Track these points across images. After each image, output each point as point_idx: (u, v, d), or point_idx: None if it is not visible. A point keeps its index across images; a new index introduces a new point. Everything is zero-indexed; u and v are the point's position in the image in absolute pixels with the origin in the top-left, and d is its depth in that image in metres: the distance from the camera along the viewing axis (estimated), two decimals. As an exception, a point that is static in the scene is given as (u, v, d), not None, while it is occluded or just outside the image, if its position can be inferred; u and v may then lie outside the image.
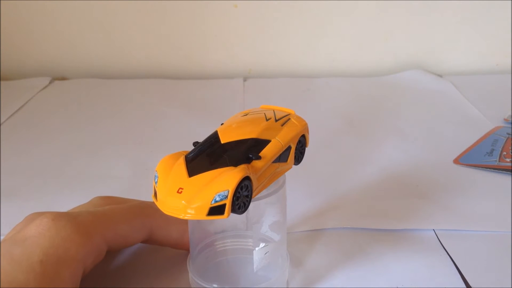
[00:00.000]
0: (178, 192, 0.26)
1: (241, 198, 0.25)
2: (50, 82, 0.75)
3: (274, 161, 0.28)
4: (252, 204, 0.27)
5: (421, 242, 0.38)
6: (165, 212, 0.26)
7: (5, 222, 0.41)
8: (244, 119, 0.31)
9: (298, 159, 0.31)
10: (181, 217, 0.25)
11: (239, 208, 0.25)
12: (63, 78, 0.79)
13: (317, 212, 0.41)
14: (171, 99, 0.69)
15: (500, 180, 0.47)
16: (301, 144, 0.31)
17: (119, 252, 0.36)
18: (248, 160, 0.27)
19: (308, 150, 0.32)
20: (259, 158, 0.27)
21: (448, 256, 0.36)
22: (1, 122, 0.61)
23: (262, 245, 0.29)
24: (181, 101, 0.68)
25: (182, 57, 0.80)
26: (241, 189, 0.25)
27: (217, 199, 0.25)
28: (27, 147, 0.55)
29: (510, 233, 0.39)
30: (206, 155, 0.27)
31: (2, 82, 0.75)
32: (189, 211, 0.25)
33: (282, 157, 0.29)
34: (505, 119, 0.60)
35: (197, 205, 0.25)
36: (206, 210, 0.25)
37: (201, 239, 0.32)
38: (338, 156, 0.52)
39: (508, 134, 0.56)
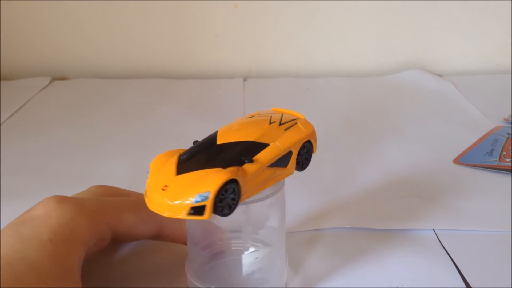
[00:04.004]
0: (162, 189, 0.26)
1: (226, 201, 0.25)
2: (50, 82, 0.75)
3: (271, 166, 0.27)
4: (250, 206, 0.27)
5: (421, 242, 0.38)
6: (151, 208, 0.26)
7: (5, 222, 0.40)
8: (247, 121, 0.31)
9: (303, 165, 0.30)
10: (164, 214, 0.25)
11: (222, 210, 0.25)
12: (63, 78, 0.79)
13: (317, 212, 0.41)
14: (171, 99, 0.69)
15: (500, 180, 0.47)
16: (307, 150, 0.30)
17: (118, 253, 0.36)
18: (240, 163, 0.26)
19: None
20: (251, 161, 0.26)
21: (448, 256, 0.36)
22: (1, 122, 0.61)
23: (251, 249, 0.29)
24: (181, 101, 0.68)
25: (182, 57, 0.80)
26: (226, 191, 0.25)
27: (198, 199, 0.24)
28: (27, 147, 0.55)
29: (510, 233, 0.39)
30: (199, 155, 0.27)
31: (2, 82, 0.75)
32: (171, 209, 0.25)
33: (280, 162, 0.28)
34: (505, 119, 0.60)
35: (179, 204, 0.25)
36: (187, 210, 0.24)
37: (199, 241, 0.32)
38: (338, 156, 0.52)
39: (508, 134, 0.56)
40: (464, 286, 0.33)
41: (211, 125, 0.32)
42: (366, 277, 0.34)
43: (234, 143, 0.28)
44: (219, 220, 0.30)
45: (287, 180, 0.30)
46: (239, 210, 0.26)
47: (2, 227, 0.39)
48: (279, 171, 0.28)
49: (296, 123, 0.30)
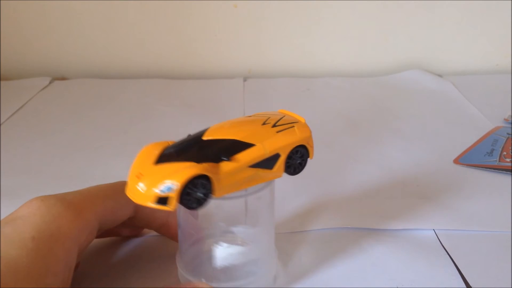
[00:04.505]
0: (137, 176, 0.26)
1: (194, 195, 0.26)
2: (50, 82, 0.75)
3: (254, 166, 0.28)
4: (223, 202, 0.28)
5: (421, 242, 0.38)
6: (127, 194, 0.27)
7: (5, 222, 0.40)
8: (242, 119, 0.31)
9: (295, 169, 0.30)
10: (136, 201, 0.26)
11: (189, 203, 0.26)
12: (63, 78, 0.79)
13: (317, 212, 0.41)
14: (171, 99, 0.69)
15: (500, 180, 0.47)
16: (301, 154, 0.30)
17: (110, 247, 0.36)
18: (218, 160, 0.27)
19: (308, 150, 0.32)
20: (229, 160, 0.27)
21: (448, 256, 0.36)
22: (1, 122, 0.61)
23: (225, 245, 0.30)
24: (181, 101, 0.68)
25: (182, 57, 0.80)
26: (195, 186, 0.25)
27: (164, 190, 0.25)
28: (27, 147, 0.55)
29: (510, 233, 0.39)
30: (182, 148, 0.28)
31: (2, 82, 0.75)
32: (141, 196, 0.26)
33: (265, 164, 0.28)
34: (505, 119, 0.60)
35: (147, 192, 0.25)
36: (154, 199, 0.25)
37: (190, 235, 0.32)
38: (338, 156, 0.52)
39: (508, 134, 0.56)
40: (464, 286, 0.33)
41: (211, 125, 0.32)
42: (366, 277, 0.34)
43: (219, 140, 0.28)
44: (215, 214, 0.31)
45: (287, 180, 0.30)
46: (214, 205, 0.27)
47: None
48: (262, 172, 0.28)
49: (293, 126, 0.30)
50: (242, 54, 0.79)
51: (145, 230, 0.38)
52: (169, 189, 0.25)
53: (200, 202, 0.26)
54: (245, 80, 0.76)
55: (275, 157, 0.28)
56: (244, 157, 0.27)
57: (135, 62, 0.80)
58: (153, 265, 0.35)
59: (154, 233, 0.38)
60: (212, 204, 0.27)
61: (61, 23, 0.77)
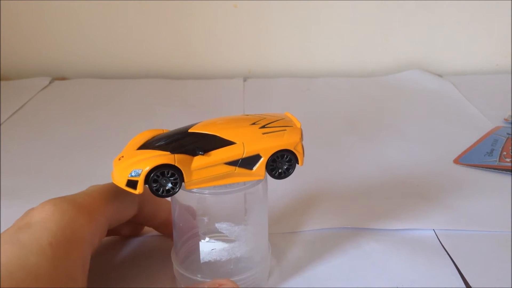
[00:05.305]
0: (119, 159, 0.28)
1: (162, 183, 0.27)
2: (50, 82, 0.75)
3: (231, 164, 0.28)
4: (205, 197, 0.28)
5: (421, 242, 0.38)
6: (111, 174, 0.28)
7: (5, 222, 0.40)
8: (234, 117, 0.31)
9: (281, 174, 0.30)
10: (113, 181, 0.28)
11: (157, 190, 0.27)
12: (63, 78, 0.79)
13: (316, 212, 0.41)
14: (171, 99, 0.69)
15: (500, 180, 0.47)
16: (288, 159, 0.30)
17: (109, 247, 0.37)
18: (194, 153, 0.28)
19: (308, 150, 0.31)
20: (203, 154, 0.28)
21: (448, 256, 0.36)
22: (1, 122, 0.61)
23: (207, 239, 0.30)
24: (181, 101, 0.68)
25: (182, 57, 0.80)
26: (162, 174, 0.27)
27: (133, 174, 0.27)
28: (27, 147, 0.55)
29: (510, 233, 0.39)
30: (167, 138, 0.29)
31: (2, 82, 0.75)
32: (116, 177, 0.28)
33: (245, 163, 0.28)
34: (505, 119, 0.60)
35: (121, 174, 0.27)
36: (125, 181, 0.27)
37: (185, 231, 0.32)
38: (338, 156, 0.52)
39: (508, 134, 0.56)
40: (464, 286, 0.33)
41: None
42: (366, 277, 0.34)
43: (201, 134, 0.29)
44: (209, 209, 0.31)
45: (287, 179, 0.30)
46: (196, 199, 0.28)
47: (2, 227, 0.40)
48: (241, 171, 0.28)
49: (284, 130, 0.30)
50: (242, 54, 0.79)
51: (145, 229, 0.38)
52: (136, 173, 0.27)
53: (168, 191, 0.27)
54: (245, 80, 0.76)
55: (256, 157, 0.29)
56: (220, 153, 0.28)
57: (135, 62, 0.80)
58: (153, 265, 0.35)
59: (153, 232, 0.38)
60: (205, 200, 0.27)
61: (61, 23, 0.77)
